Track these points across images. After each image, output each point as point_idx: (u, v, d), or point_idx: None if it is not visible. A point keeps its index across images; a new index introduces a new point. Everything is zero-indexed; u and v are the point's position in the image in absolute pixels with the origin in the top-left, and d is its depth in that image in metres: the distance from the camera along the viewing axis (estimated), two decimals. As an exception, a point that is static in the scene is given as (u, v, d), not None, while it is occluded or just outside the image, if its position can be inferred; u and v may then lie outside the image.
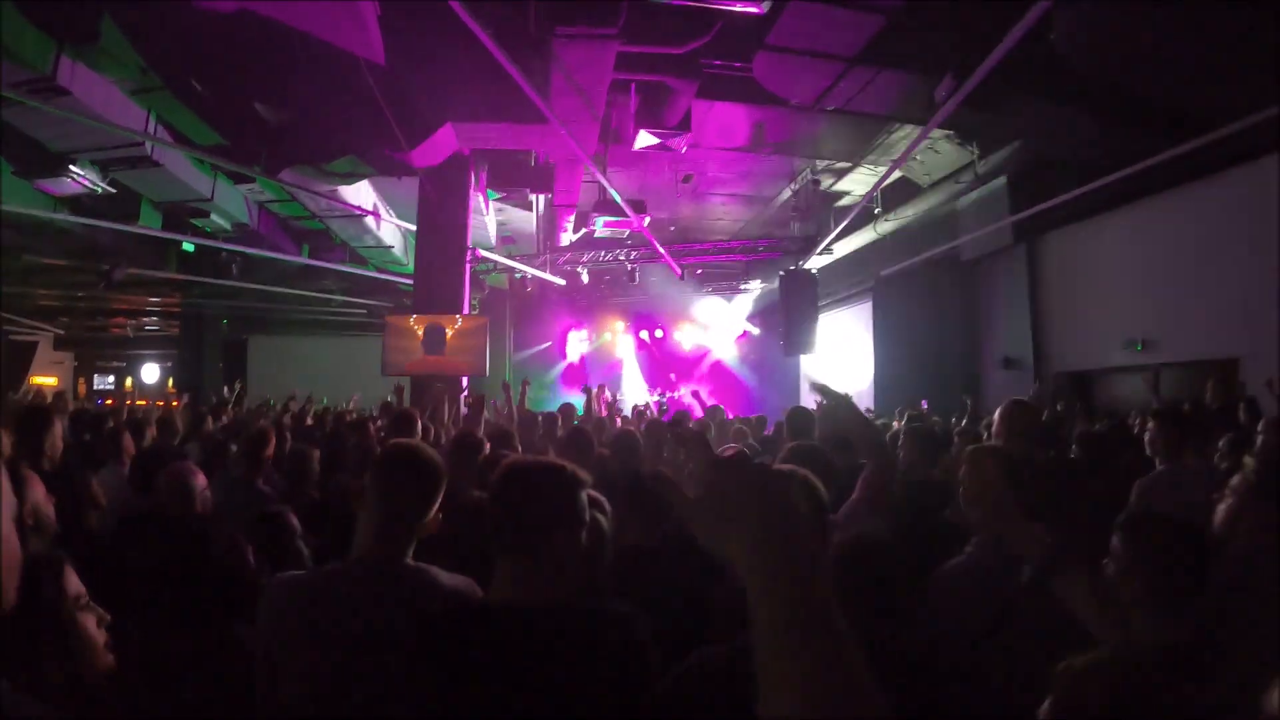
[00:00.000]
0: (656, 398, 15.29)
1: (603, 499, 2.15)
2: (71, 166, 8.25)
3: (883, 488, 2.72)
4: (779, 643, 0.66)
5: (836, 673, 0.65)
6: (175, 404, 8.46)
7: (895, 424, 6.37)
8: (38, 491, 2.33)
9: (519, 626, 1.54)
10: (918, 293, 12.31)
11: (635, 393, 16.52)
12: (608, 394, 10.36)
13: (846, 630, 0.67)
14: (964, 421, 6.76)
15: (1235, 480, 2.20)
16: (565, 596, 1.63)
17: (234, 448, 4.31)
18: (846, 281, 13.97)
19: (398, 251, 13.32)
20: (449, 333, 5.98)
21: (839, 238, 11.41)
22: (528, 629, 1.54)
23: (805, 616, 0.67)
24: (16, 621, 1.31)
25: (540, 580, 1.59)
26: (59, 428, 3.56)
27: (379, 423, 6.01)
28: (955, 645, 1.98)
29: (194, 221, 10.96)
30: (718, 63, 7.47)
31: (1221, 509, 2.17)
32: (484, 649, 1.52)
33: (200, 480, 2.98)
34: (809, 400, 8.03)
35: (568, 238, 13.11)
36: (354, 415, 8.02)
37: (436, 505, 1.94)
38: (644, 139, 8.08)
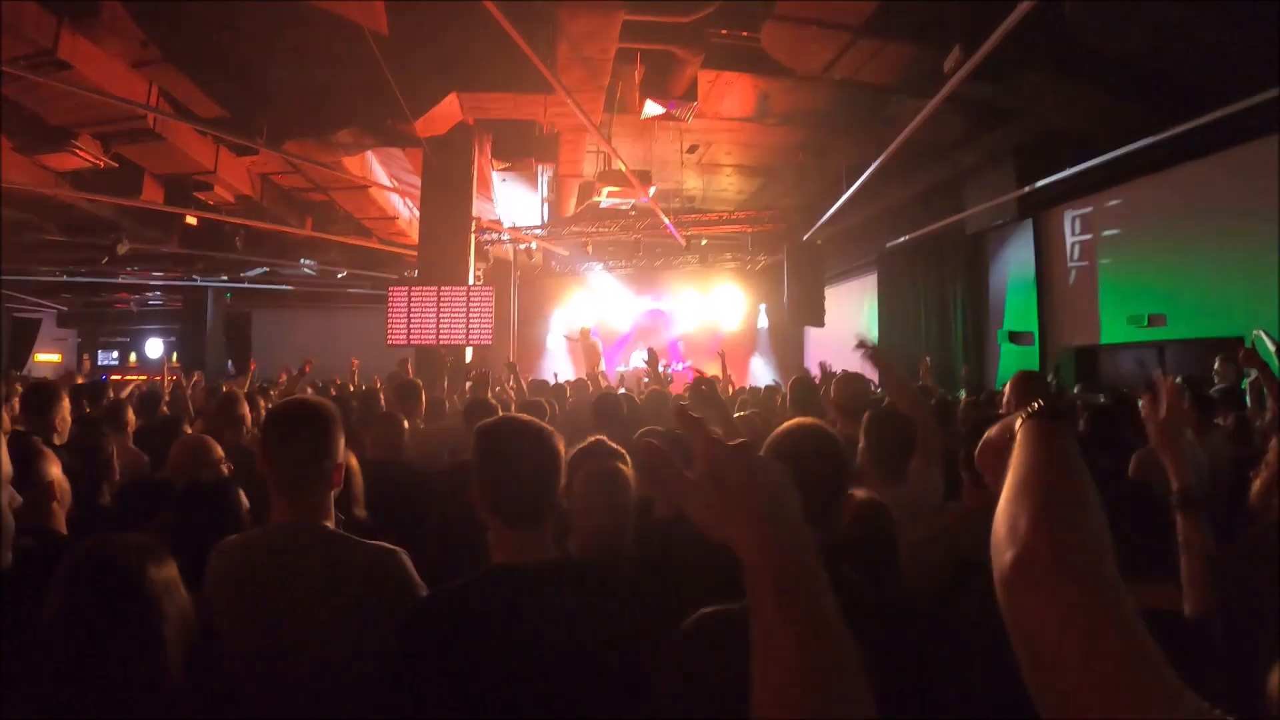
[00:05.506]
0: (663, 368, 15.22)
1: (624, 452, 2.16)
2: (73, 141, 8.21)
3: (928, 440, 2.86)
4: (775, 618, 0.69)
5: (828, 648, 0.68)
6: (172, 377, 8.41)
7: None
8: (55, 467, 2.35)
9: (526, 585, 1.58)
10: (923, 266, 12.26)
11: (634, 363, 16.45)
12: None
13: (837, 609, 0.70)
14: (980, 395, 6.74)
15: (1270, 455, 2.15)
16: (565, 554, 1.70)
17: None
18: (852, 254, 13.91)
19: (402, 223, 13.27)
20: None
21: (844, 209, 11.32)
22: (535, 587, 1.57)
23: (800, 596, 0.70)
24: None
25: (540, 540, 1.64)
26: (65, 403, 3.57)
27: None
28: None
29: (197, 195, 10.91)
30: (724, 32, 7.38)
31: (1257, 483, 2.13)
32: (494, 609, 1.55)
33: (217, 450, 2.93)
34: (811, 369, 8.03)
35: (572, 208, 13.03)
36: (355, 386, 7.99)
37: (335, 456, 1.83)
38: (650, 109, 8.02)
